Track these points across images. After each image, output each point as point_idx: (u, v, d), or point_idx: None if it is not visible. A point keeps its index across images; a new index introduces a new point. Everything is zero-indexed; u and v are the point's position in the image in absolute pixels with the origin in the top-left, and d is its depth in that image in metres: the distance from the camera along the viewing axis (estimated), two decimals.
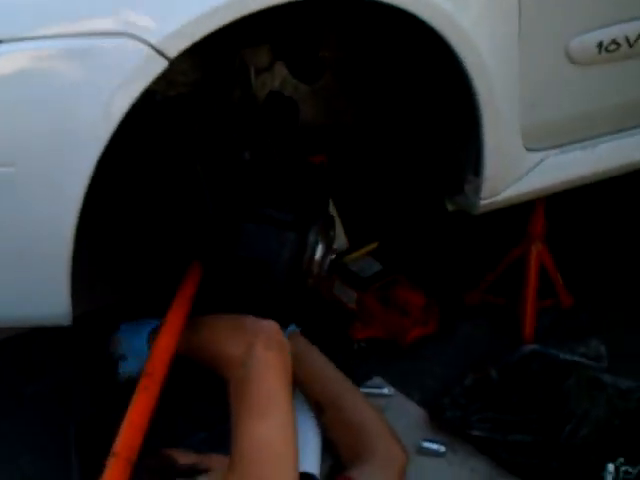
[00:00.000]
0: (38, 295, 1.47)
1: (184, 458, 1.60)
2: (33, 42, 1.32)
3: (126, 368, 1.74)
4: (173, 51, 1.36)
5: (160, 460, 1.59)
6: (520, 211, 2.09)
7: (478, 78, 1.62)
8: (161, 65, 1.36)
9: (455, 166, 1.84)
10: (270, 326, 1.61)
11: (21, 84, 1.33)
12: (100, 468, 1.43)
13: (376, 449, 1.74)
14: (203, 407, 1.96)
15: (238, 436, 1.45)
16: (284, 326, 1.87)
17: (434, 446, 1.89)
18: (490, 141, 1.70)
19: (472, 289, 2.30)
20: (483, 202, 1.81)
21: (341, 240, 2.26)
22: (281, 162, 1.88)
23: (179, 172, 1.79)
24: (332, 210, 2.13)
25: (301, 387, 1.83)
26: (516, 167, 1.81)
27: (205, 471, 1.55)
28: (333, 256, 1.94)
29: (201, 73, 1.85)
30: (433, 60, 1.70)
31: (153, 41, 1.34)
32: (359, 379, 2.02)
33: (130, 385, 1.59)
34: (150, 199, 1.80)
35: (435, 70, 1.75)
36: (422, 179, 2.07)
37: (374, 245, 2.35)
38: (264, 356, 1.53)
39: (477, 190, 1.79)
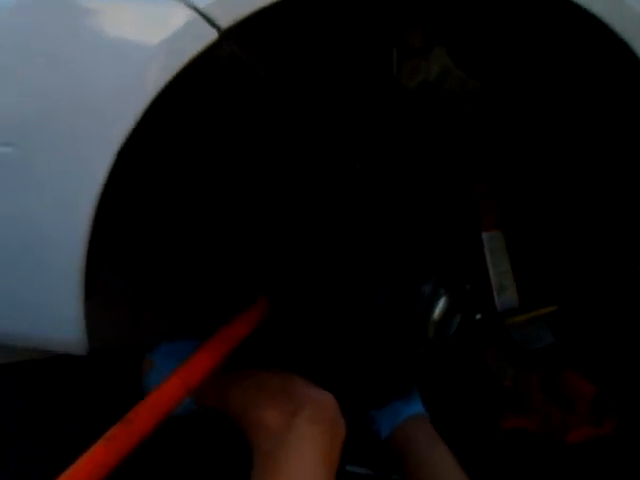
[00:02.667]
0: (44, 309, 1.12)
1: None
2: None
3: None
4: (226, 20, 1.08)
5: None
6: None
7: None
8: (210, 35, 1.08)
9: None
10: (322, 397, 1.23)
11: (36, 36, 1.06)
12: None
13: None
14: None
15: None
16: (384, 400, 1.46)
17: None
18: None
19: None
20: None
21: (508, 295, 1.76)
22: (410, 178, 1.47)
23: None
24: (500, 253, 1.67)
25: None
26: None
27: None
28: (478, 316, 1.51)
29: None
30: None
31: (201, 5, 1.08)
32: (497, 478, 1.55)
33: None
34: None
35: None
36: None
37: (551, 309, 1.82)
38: (306, 430, 1.18)
39: None
